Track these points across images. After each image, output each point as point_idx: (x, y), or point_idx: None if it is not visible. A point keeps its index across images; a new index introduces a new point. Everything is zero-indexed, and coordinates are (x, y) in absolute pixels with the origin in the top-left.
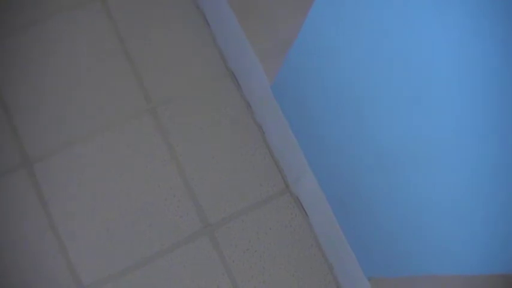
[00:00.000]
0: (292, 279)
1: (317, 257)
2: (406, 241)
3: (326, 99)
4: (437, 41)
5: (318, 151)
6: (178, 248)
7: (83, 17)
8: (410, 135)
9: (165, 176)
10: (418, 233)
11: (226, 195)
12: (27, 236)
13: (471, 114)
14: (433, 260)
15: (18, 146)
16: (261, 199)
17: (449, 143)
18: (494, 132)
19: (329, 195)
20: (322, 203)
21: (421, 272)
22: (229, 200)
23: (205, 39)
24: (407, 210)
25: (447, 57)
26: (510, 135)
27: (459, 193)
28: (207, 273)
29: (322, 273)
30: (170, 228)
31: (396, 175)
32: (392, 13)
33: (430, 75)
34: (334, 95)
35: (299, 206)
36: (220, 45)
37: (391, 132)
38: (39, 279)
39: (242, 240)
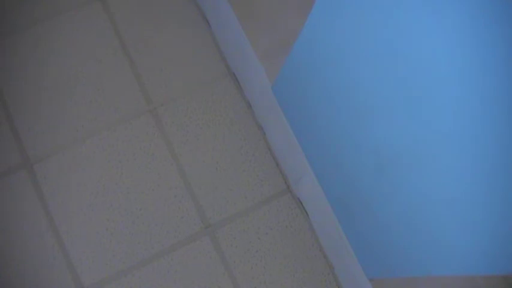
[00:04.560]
0: (293, 279)
1: (318, 257)
2: (407, 242)
3: (327, 99)
4: (437, 41)
5: (318, 151)
6: (178, 249)
7: (83, 17)
8: (411, 136)
9: (165, 176)
10: (419, 234)
11: (226, 196)
12: (27, 236)
13: (471, 114)
14: (434, 260)
15: (18, 146)
16: (261, 199)
17: (449, 143)
18: (494, 132)
19: (330, 196)
20: (323, 204)
21: (422, 273)
22: (230, 200)
23: (205, 39)
24: (408, 210)
25: (447, 57)
26: (510, 135)
27: (459, 193)
28: (208, 273)
29: (323, 273)
30: (170, 229)
31: (397, 175)
32: (393, 13)
33: (431, 75)
34: (335, 95)
35: (300, 207)
36: (220, 45)
37: (392, 133)
38: (39, 279)
39: (243, 241)
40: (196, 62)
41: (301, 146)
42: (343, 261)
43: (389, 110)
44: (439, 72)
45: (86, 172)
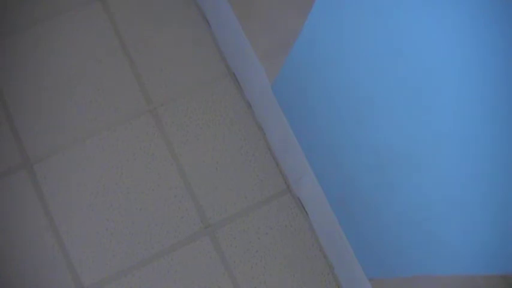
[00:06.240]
0: (293, 279)
1: (318, 257)
2: (407, 242)
3: (326, 99)
4: (437, 41)
5: (318, 151)
6: (178, 249)
7: (83, 17)
8: (411, 136)
9: (165, 176)
10: (419, 234)
11: (226, 195)
12: (27, 236)
13: (471, 114)
14: (433, 260)
15: (18, 146)
16: (261, 199)
17: (449, 143)
18: (494, 132)
19: (330, 196)
20: (323, 203)
21: (422, 273)
22: (230, 200)
23: (205, 39)
24: (408, 210)
25: (447, 57)
26: (509, 135)
27: (459, 193)
28: (208, 273)
29: (323, 273)
30: (170, 228)
31: (396, 175)
32: (393, 13)
33: (431, 75)
34: (335, 95)
35: (300, 206)
36: (220, 45)
37: (392, 132)
38: (39, 279)
39: (243, 241)
40: (196, 62)
41: (301, 146)
42: (343, 261)
43: (389, 110)
44: (439, 72)
45: (86, 172)
